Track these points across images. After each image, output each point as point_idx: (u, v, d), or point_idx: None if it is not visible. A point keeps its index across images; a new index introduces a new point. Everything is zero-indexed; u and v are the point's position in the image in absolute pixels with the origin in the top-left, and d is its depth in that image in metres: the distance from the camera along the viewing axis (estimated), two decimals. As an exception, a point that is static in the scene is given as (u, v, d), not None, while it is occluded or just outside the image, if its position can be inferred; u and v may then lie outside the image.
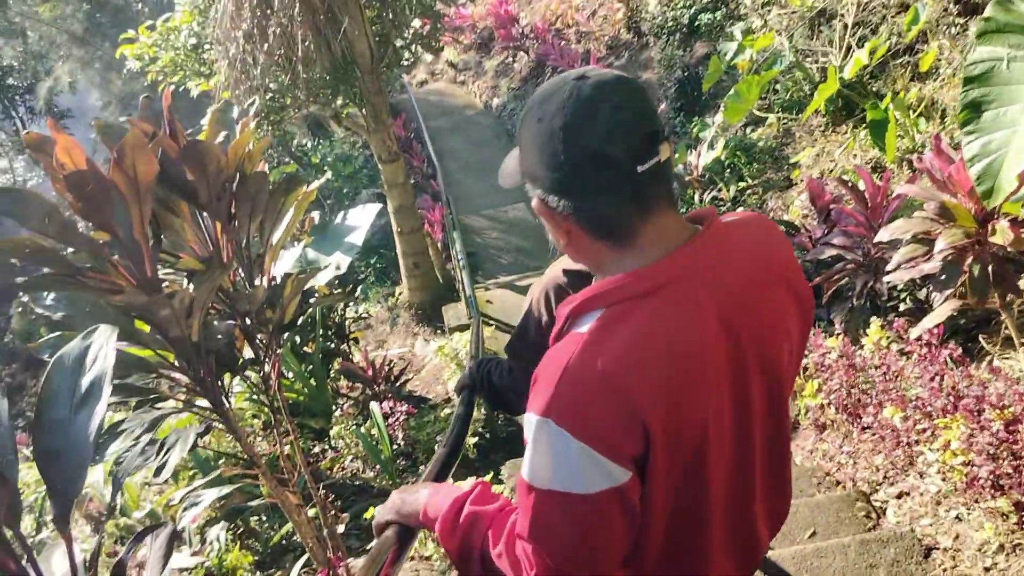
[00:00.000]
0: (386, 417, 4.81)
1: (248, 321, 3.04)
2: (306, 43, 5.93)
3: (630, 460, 1.09)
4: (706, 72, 8.80)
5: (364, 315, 7.05)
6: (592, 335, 1.11)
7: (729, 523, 1.27)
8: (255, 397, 3.57)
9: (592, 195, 1.14)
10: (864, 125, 7.28)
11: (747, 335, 1.18)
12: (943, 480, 3.22)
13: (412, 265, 7.36)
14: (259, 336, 3.12)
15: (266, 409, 5.97)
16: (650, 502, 1.15)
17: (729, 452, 1.21)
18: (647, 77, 11.22)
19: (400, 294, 8.21)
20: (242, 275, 2.94)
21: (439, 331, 7.40)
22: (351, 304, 8.76)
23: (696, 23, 10.24)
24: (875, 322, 3.97)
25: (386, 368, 5.66)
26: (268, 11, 5.81)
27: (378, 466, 4.82)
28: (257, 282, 3.06)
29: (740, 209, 7.23)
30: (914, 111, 6.91)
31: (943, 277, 3.40)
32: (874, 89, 7.62)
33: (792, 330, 1.29)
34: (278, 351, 3.19)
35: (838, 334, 4.17)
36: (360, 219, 5.01)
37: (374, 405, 4.75)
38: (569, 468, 1.08)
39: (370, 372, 5.29)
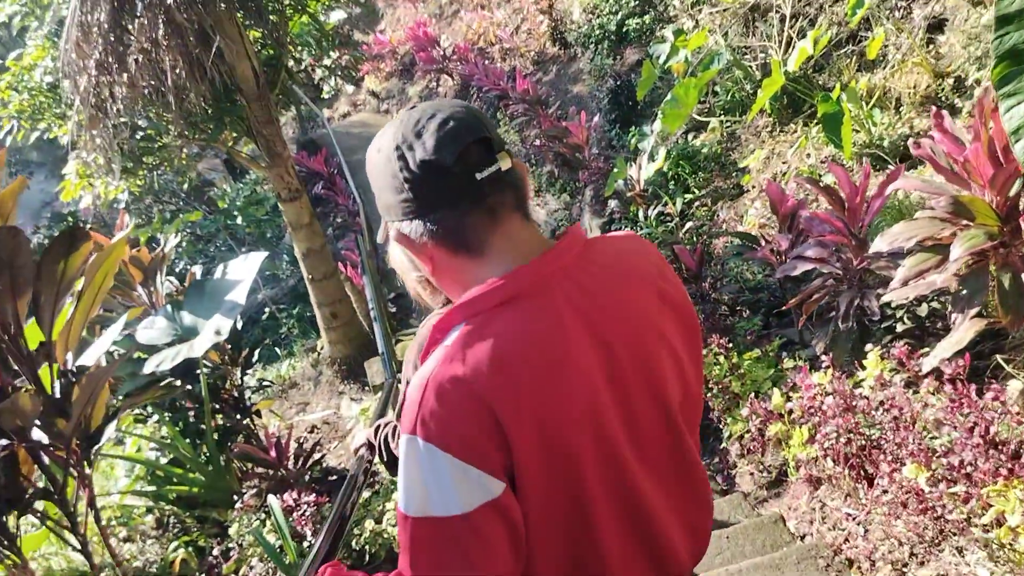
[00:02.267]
0: (290, 512, 3.92)
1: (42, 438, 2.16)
2: (176, 70, 5.06)
3: (501, 470, 1.08)
4: (639, 80, 8.16)
5: (268, 382, 6.09)
6: (452, 347, 1.11)
7: (629, 533, 1.23)
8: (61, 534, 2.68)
9: (437, 208, 1.16)
10: (815, 121, 6.64)
11: (621, 345, 1.19)
12: (993, 562, 2.46)
13: (330, 315, 6.48)
14: (59, 454, 2.24)
15: (158, 503, 5.03)
16: (532, 514, 1.13)
17: (618, 460, 1.19)
18: (577, 90, 10.54)
19: (321, 348, 7.31)
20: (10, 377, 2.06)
21: (367, 388, 6.54)
22: (259, 367, 7.86)
23: (624, 29, 9.60)
24: (872, 352, 3.22)
25: (294, 445, 4.78)
26: (124, 35, 4.94)
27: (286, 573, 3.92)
28: (51, 381, 2.18)
29: (689, 224, 6.49)
30: (866, 103, 6.30)
31: (963, 292, 2.66)
32: (820, 83, 7.00)
33: (671, 339, 1.28)
34: (87, 470, 2.30)
35: (826, 367, 3.42)
36: (242, 272, 4.15)
37: (272, 500, 3.86)
38: (441, 485, 1.06)
39: (273, 454, 4.40)
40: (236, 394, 4.91)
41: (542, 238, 1.23)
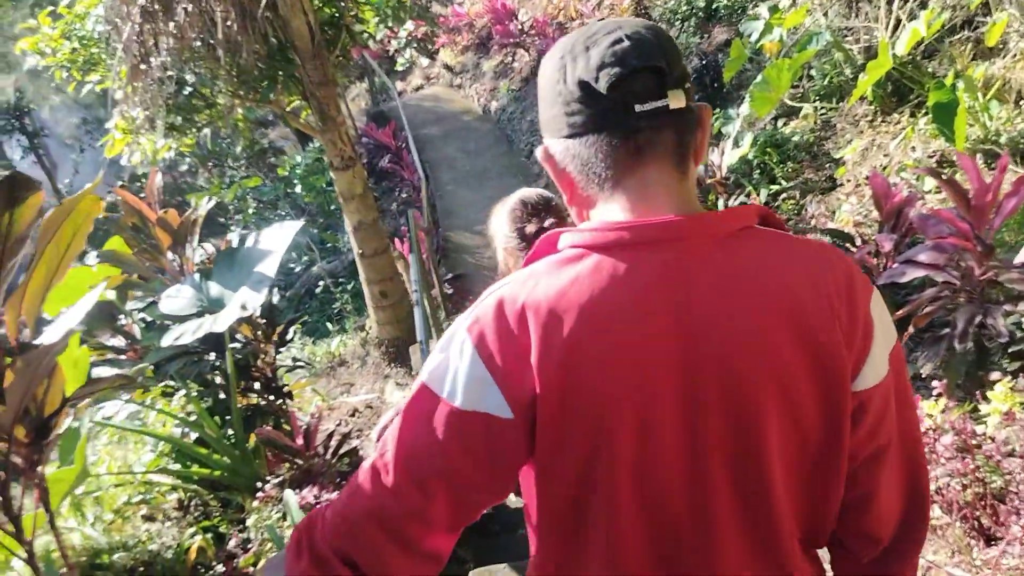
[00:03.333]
0: (308, 509, 3.53)
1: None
2: (227, 22, 4.69)
3: (519, 405, 1.03)
4: (727, 60, 7.56)
5: (302, 362, 5.67)
6: (534, 269, 1.07)
7: (663, 544, 1.09)
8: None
9: (585, 132, 1.05)
10: (923, 111, 5.98)
11: (712, 364, 1.02)
12: None
13: (379, 294, 6.09)
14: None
15: (181, 483, 4.72)
16: (545, 467, 1.07)
17: (662, 464, 1.05)
18: (659, 70, 9.94)
19: (369, 328, 6.93)
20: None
21: (414, 372, 6.14)
22: (309, 342, 7.55)
23: (714, 5, 8.98)
24: (1002, 383, 2.66)
25: (325, 431, 4.40)
26: (171, -20, 4.59)
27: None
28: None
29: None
30: (982, 94, 5.62)
31: None
32: (929, 71, 6.32)
33: (797, 393, 1.04)
34: (40, 468, 1.91)
35: (938, 394, 2.86)
36: (274, 242, 3.76)
37: (288, 495, 3.47)
38: (458, 375, 1.05)
39: (300, 441, 4.02)
40: (269, 373, 4.55)
41: (689, 198, 1.08)
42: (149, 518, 4.87)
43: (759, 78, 6.57)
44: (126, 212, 4.12)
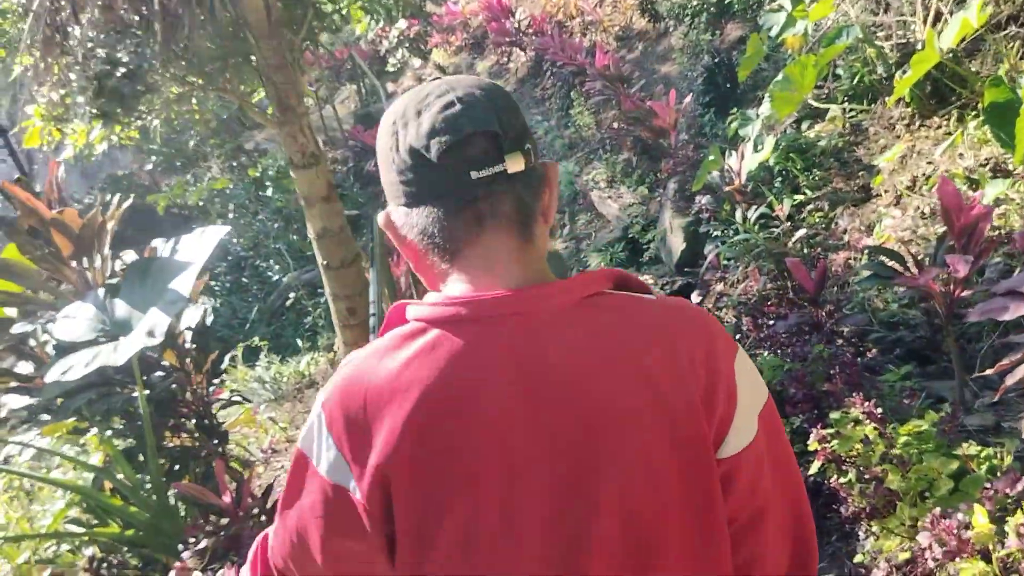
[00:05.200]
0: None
1: None
2: (164, -9, 3.94)
3: (371, 488, 1.01)
4: (742, 57, 6.83)
5: (239, 398, 4.80)
6: (385, 342, 1.06)
7: None
8: None
9: (421, 201, 1.05)
10: (972, 113, 5.24)
11: (564, 441, 1.00)
12: None
13: (346, 312, 5.31)
14: None
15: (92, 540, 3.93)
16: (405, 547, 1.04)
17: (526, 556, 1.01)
18: (666, 71, 9.21)
19: (337, 349, 6.15)
20: None
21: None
22: (275, 360, 6.74)
23: (727, 0, 8.24)
24: None
25: (262, 486, 3.59)
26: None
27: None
28: None
29: (800, 232, 5.14)
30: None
31: None
32: (972, 70, 5.59)
33: (660, 464, 1.02)
34: None
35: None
36: (193, 252, 2.99)
37: (198, 579, 2.70)
38: (321, 446, 1.05)
39: (227, 499, 3.23)
40: (201, 408, 3.77)
41: (535, 266, 1.08)
42: (59, 576, 4.07)
43: (780, 76, 5.84)
44: (22, 213, 3.34)
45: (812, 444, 2.90)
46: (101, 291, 3.16)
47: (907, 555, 2.53)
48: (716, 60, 7.63)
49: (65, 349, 3.09)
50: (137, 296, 3.04)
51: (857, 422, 2.88)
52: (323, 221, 5.14)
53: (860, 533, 2.80)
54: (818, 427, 2.91)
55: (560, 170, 9.49)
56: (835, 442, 2.82)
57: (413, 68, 16.31)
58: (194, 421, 3.82)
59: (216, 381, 4.02)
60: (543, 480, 1.00)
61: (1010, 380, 2.49)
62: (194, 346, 3.69)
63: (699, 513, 1.05)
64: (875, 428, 2.65)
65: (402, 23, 15.71)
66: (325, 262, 5.30)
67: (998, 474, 2.48)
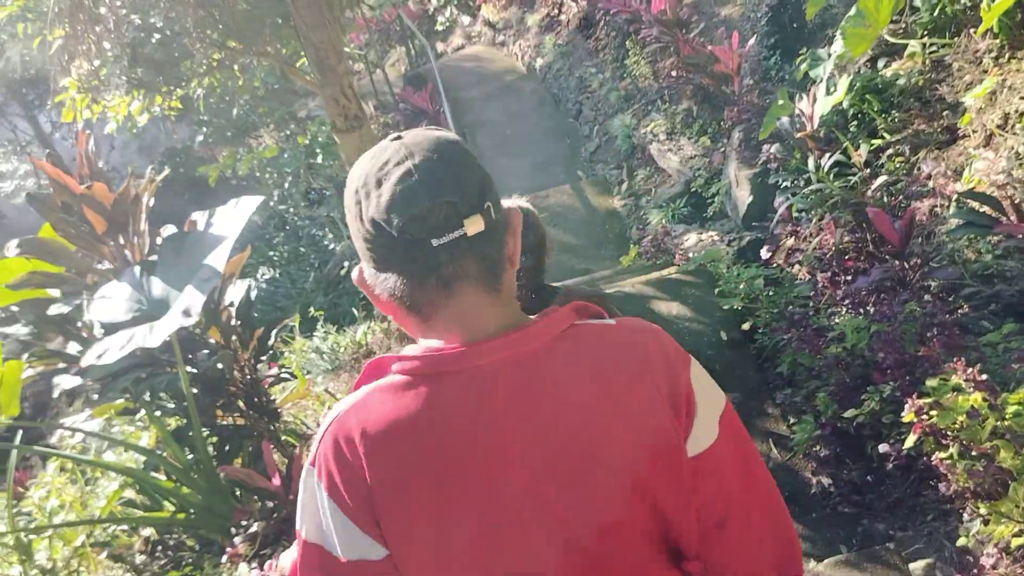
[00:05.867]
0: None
1: None
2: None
3: (382, 538, 1.06)
4: (809, -6, 6.38)
5: (288, 374, 4.61)
6: (369, 394, 1.10)
7: None
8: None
9: (388, 268, 1.10)
10: (1072, 41, 4.77)
11: (557, 462, 1.08)
12: None
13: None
14: None
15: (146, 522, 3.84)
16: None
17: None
18: (727, 13, 8.73)
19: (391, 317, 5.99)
20: None
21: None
22: (331, 330, 6.60)
23: (791, -66, 7.73)
24: None
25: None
26: None
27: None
28: None
29: (880, 179, 4.76)
30: None
31: None
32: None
33: (644, 475, 1.11)
34: None
35: None
36: (227, 224, 2.80)
37: (243, 570, 2.55)
38: (325, 523, 1.07)
39: (276, 481, 3.08)
40: (250, 386, 3.62)
41: (507, 313, 1.14)
42: (118, 558, 4.01)
43: (853, 11, 5.42)
44: (55, 189, 3.19)
45: (907, 415, 2.61)
46: (137, 269, 3.01)
47: (1021, 541, 2.25)
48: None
49: (109, 329, 2.95)
50: (173, 273, 2.88)
51: (958, 390, 2.58)
52: (370, 186, 4.94)
53: (964, 515, 2.51)
54: (913, 397, 2.62)
55: (617, 124, 9.17)
56: (934, 414, 2.53)
57: (463, 26, 15.98)
58: (244, 398, 3.68)
59: (264, 358, 3.86)
60: (537, 507, 1.07)
61: None
62: (238, 323, 3.53)
63: (676, 508, 1.14)
64: (984, 399, 2.34)
65: (450, -21, 15.43)
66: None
67: None
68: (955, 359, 2.65)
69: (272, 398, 4.00)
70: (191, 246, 2.92)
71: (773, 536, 1.21)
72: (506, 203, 1.64)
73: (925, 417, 2.53)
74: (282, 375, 4.00)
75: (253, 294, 3.63)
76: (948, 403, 2.49)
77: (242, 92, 6.07)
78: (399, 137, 1.12)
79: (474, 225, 1.05)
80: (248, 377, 3.62)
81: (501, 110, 11.79)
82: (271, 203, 11.95)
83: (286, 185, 11.50)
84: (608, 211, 8.42)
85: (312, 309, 7.76)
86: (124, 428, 4.09)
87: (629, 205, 8.29)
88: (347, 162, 4.84)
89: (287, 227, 11.78)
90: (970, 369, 2.52)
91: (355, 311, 8.01)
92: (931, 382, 2.67)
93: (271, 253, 11.46)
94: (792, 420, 3.78)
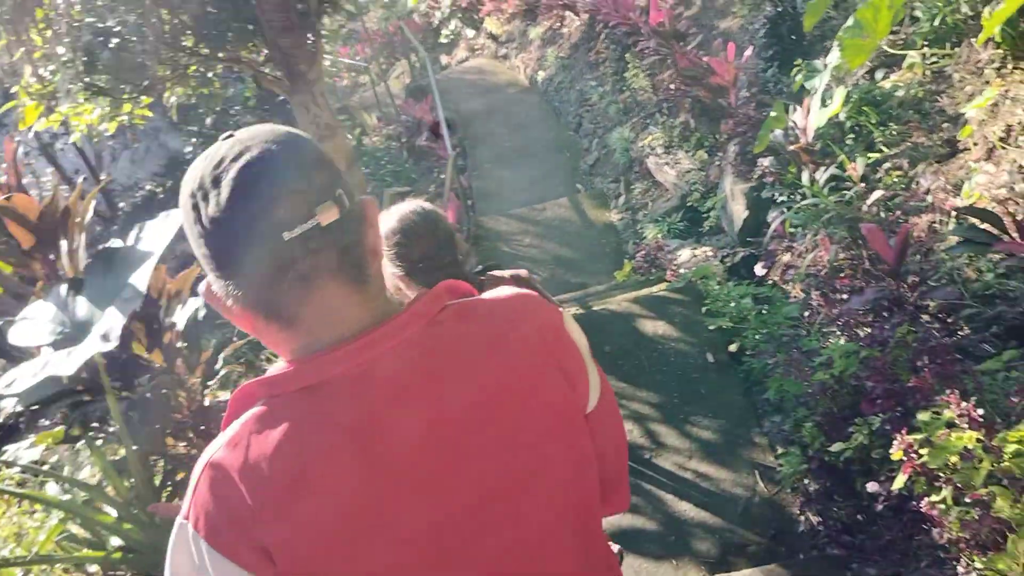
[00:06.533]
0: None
1: None
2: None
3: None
4: (807, 3, 6.16)
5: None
6: (239, 431, 0.98)
7: None
8: None
9: (237, 272, 0.98)
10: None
11: (467, 471, 1.02)
12: None
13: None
14: None
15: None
16: None
17: None
18: (726, 26, 8.52)
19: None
20: None
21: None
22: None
23: (791, -57, 7.52)
24: None
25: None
26: None
27: None
28: None
29: (877, 194, 4.51)
30: None
31: None
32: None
33: (551, 451, 1.09)
34: None
35: None
36: (155, 239, 2.59)
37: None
38: (201, 558, 0.95)
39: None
40: (199, 412, 3.40)
41: (377, 306, 1.05)
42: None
43: (850, 21, 5.17)
44: (-18, 202, 2.98)
45: (896, 453, 2.36)
46: (63, 288, 2.80)
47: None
48: (779, 9, 6.96)
49: (27, 354, 2.74)
50: (99, 292, 2.66)
51: (952, 426, 2.33)
52: (344, 200, 4.72)
53: (959, 566, 2.26)
54: (903, 433, 2.37)
55: (615, 137, 8.96)
56: (925, 453, 2.28)
57: (466, 39, 15.85)
58: (192, 428, 3.45)
59: (212, 383, 3.63)
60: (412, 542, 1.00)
61: None
62: (185, 344, 3.31)
63: (587, 474, 1.15)
64: (978, 439, 2.10)
65: (455, -7, 15.29)
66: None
67: None
68: (949, 390, 2.40)
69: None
70: (119, 263, 2.69)
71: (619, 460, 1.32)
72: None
73: (915, 455, 2.28)
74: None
75: (201, 314, 3.40)
76: (940, 441, 2.24)
77: (215, 102, 5.86)
78: (231, 135, 1.01)
79: (328, 214, 0.96)
80: (196, 402, 3.39)
81: (502, 122, 11.63)
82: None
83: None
84: (605, 225, 8.21)
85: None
86: (70, 457, 3.87)
87: (626, 219, 8.07)
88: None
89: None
90: (964, 403, 2.28)
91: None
92: (922, 416, 2.44)
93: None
94: (780, 450, 3.52)
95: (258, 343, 7.64)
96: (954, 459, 2.21)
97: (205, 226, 0.96)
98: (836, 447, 2.84)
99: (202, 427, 3.43)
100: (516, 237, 8.03)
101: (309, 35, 4.51)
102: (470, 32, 15.77)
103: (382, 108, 14.35)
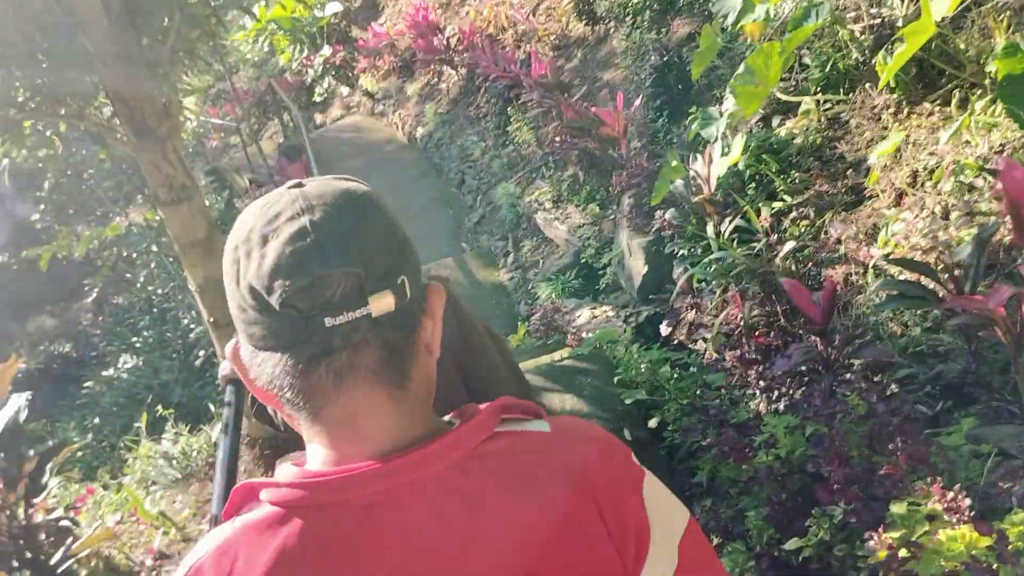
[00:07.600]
0: None
1: None
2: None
3: None
4: (694, 53, 6.02)
5: (68, 520, 3.66)
6: (234, 535, 0.86)
7: None
8: None
9: (268, 347, 0.86)
10: (977, 93, 4.45)
11: None
12: None
13: (242, 378, 4.26)
14: None
15: None
16: None
17: None
18: (608, 77, 8.38)
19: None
20: None
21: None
22: (182, 434, 5.74)
23: (672, -5, 7.46)
24: None
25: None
26: None
27: None
28: None
29: (788, 246, 4.26)
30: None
31: None
32: (958, 48, 4.80)
33: None
34: None
35: None
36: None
37: None
38: None
39: None
40: (22, 536, 2.74)
41: (412, 423, 0.90)
42: None
43: (741, 68, 5.07)
44: None
45: (880, 553, 1.98)
46: None
47: None
48: (665, 59, 6.81)
49: None
50: None
51: (934, 518, 1.97)
52: (204, 270, 4.15)
53: None
54: (880, 531, 1.99)
55: (500, 192, 8.64)
56: (909, 556, 1.90)
57: (341, 96, 15.37)
58: (15, 555, 2.78)
59: (36, 500, 2.97)
60: None
61: None
62: (1, 455, 2.67)
63: None
64: (989, 547, 1.73)
65: (327, 49, 14.83)
66: (212, 319, 4.30)
67: None
68: (925, 475, 2.05)
69: (67, 545, 3.09)
70: None
71: None
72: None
73: (902, 564, 1.90)
74: (62, 523, 3.07)
75: (23, 416, 2.76)
76: (931, 544, 1.87)
77: (51, 164, 5.20)
78: (300, 184, 0.91)
79: (381, 304, 0.84)
80: (17, 523, 2.73)
81: (382, 181, 11.15)
82: (137, 284, 10.96)
83: (152, 265, 10.54)
84: (494, 285, 7.82)
85: (160, 407, 6.80)
86: None
87: (516, 278, 7.70)
88: (175, 240, 4.04)
89: (154, 310, 10.77)
90: (952, 493, 1.92)
91: (211, 405, 7.06)
92: (897, 508, 2.07)
93: (134, 339, 10.43)
94: (716, 540, 3.12)
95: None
96: (952, 566, 1.84)
97: (241, 289, 0.86)
98: (791, 544, 2.45)
99: (27, 553, 2.75)
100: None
101: (162, 87, 3.97)
102: (345, 90, 15.31)
103: (255, 169, 13.67)
